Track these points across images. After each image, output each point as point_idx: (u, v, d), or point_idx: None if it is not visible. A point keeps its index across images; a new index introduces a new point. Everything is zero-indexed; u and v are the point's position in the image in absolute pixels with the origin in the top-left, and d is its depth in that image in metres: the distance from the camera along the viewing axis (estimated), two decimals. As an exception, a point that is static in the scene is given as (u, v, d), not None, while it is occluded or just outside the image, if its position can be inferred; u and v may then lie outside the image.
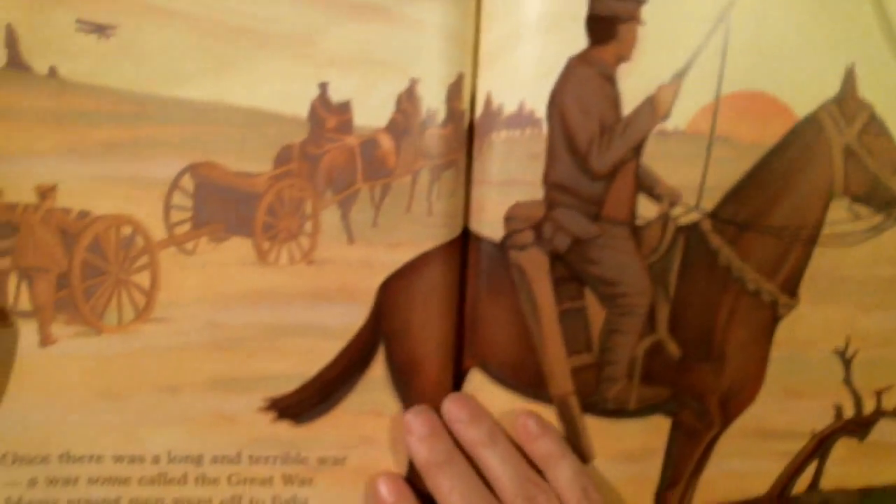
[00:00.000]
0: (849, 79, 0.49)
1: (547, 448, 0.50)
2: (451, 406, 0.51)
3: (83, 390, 0.50)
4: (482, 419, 0.50)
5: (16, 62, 0.46)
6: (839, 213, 0.51)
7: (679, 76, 0.49)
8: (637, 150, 0.49)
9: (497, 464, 0.48)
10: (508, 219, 0.50)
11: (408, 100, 0.49)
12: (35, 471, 0.50)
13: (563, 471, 0.49)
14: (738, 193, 0.50)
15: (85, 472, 0.51)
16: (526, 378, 0.51)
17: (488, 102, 0.49)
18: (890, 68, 0.50)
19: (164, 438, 0.51)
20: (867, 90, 0.50)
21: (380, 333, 0.51)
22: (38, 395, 0.49)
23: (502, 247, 0.50)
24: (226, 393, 0.51)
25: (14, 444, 0.50)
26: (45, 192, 0.48)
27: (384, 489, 0.50)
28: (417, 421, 0.50)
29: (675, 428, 0.53)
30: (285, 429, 0.52)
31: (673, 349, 0.51)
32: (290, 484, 0.52)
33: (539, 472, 0.49)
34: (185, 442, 0.51)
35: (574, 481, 0.48)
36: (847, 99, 0.50)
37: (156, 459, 0.51)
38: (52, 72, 0.47)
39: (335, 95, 0.49)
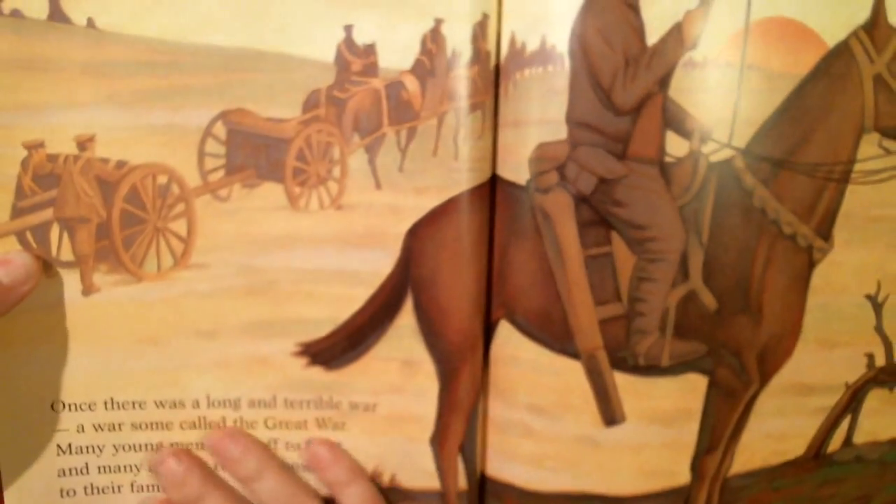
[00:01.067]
0: (878, 3, 0.47)
1: (335, 475, 0.50)
2: (221, 442, 0.51)
3: (125, 337, 0.51)
4: (250, 454, 0.50)
5: (57, 14, 0.48)
6: (869, 149, 0.49)
7: (707, 1, 0.46)
8: (664, 82, 0.48)
9: (267, 497, 0.49)
10: (533, 160, 0.49)
11: (432, 40, 0.48)
12: (82, 417, 0.52)
13: (349, 497, 0.49)
14: (771, 128, 0.48)
15: (129, 417, 0.52)
16: (553, 330, 0.50)
17: (512, 42, 0.48)
18: None
19: (203, 383, 0.52)
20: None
21: (408, 280, 0.51)
22: (83, 343, 0.51)
23: (528, 190, 0.49)
24: (260, 337, 0.52)
25: (61, 391, 0.51)
26: (85, 143, 0.49)
27: (173, 462, 0.51)
28: (170, 462, 0.51)
29: (712, 387, 0.51)
30: (318, 373, 0.52)
31: (708, 299, 0.49)
32: (323, 428, 0.53)
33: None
34: (223, 386, 0.52)
35: None
36: (877, 25, 0.47)
37: (195, 404, 0.52)
38: (90, 22, 0.48)
39: (360, 38, 0.49)
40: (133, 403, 0.52)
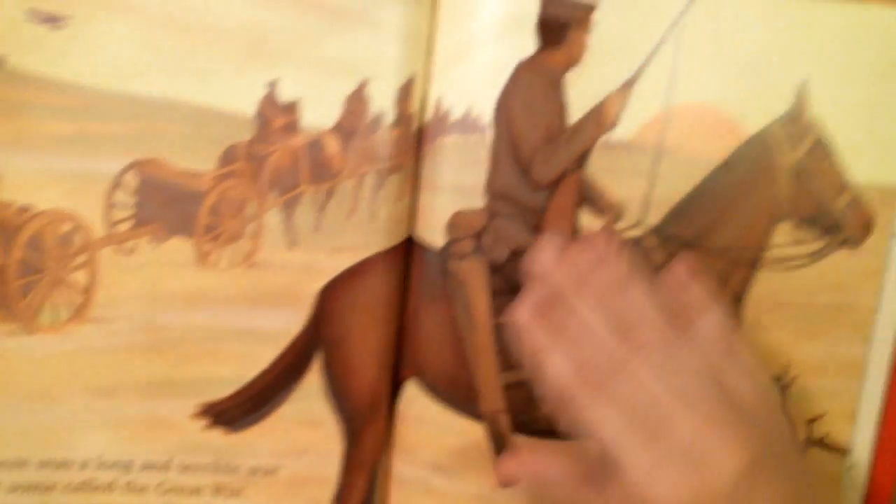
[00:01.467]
0: (801, 96, 0.49)
1: (691, 298, 0.42)
2: (590, 240, 0.44)
3: (14, 391, 0.49)
4: (620, 257, 0.43)
5: (-35, 52, 0.46)
6: (783, 237, 0.50)
7: (628, 85, 0.48)
8: (581, 160, 0.49)
9: (635, 306, 0.41)
10: (450, 226, 0.49)
11: (357, 100, 0.49)
12: (-47, 475, 0.48)
13: (705, 323, 0.41)
14: (684, 210, 0.50)
15: (7, 477, 0.49)
16: (458, 392, 0.51)
17: (438, 107, 0.49)
18: (843, 85, 0.49)
19: (94, 443, 0.50)
20: (819, 108, 0.49)
21: (318, 340, 0.50)
22: (-34, 395, 0.48)
23: (443, 255, 0.49)
24: (160, 397, 0.50)
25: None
26: (-12, 185, 0.47)
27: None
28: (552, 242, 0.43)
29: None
30: (218, 436, 0.51)
31: None
32: (219, 495, 0.51)
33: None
34: (116, 447, 0.50)
35: (718, 334, 0.41)
36: (797, 118, 0.49)
37: (84, 465, 0.50)
38: (2, 61, 0.46)
39: (283, 94, 0.48)
40: (14, 462, 0.49)
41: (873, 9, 0.49)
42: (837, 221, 0.50)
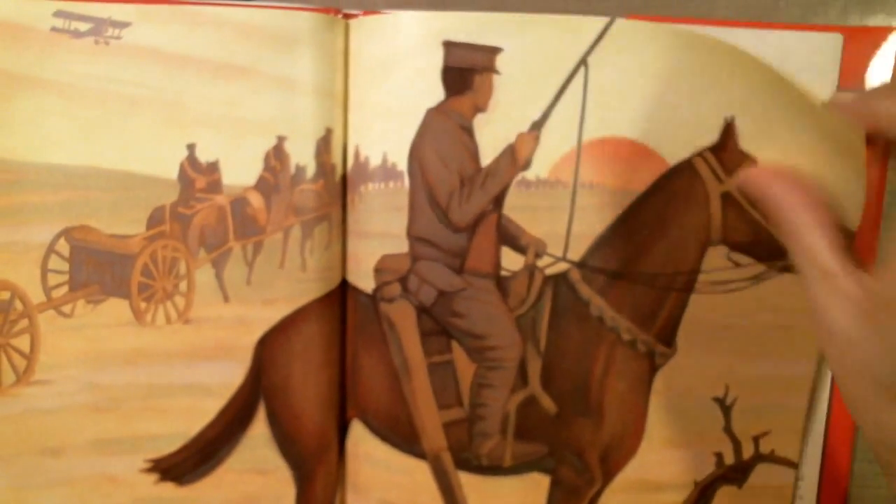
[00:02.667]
0: (729, 130, 0.49)
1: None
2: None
3: (-36, 455, 0.49)
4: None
5: None
6: (718, 261, 0.50)
7: (538, 124, 0.49)
8: (498, 201, 0.50)
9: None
10: (377, 271, 0.50)
11: (276, 157, 0.49)
12: None
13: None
14: (607, 241, 0.50)
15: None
16: (400, 432, 0.52)
17: (357, 155, 0.50)
18: (770, 122, 0.49)
19: (48, 501, 0.51)
20: (749, 138, 0.49)
21: (260, 390, 0.51)
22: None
23: (374, 299, 0.50)
24: (108, 454, 0.51)
25: None
26: (-75, 259, 0.48)
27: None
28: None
29: (555, 485, 0.52)
30: (169, 490, 0.52)
31: (547, 404, 0.51)
32: (173, 548, 0.52)
33: None
34: (69, 504, 0.51)
35: None
36: (727, 150, 0.49)
37: (37, 524, 0.51)
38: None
39: (203, 156, 0.49)
40: (-29, 525, 0.50)
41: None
42: (779, 247, 0.49)
